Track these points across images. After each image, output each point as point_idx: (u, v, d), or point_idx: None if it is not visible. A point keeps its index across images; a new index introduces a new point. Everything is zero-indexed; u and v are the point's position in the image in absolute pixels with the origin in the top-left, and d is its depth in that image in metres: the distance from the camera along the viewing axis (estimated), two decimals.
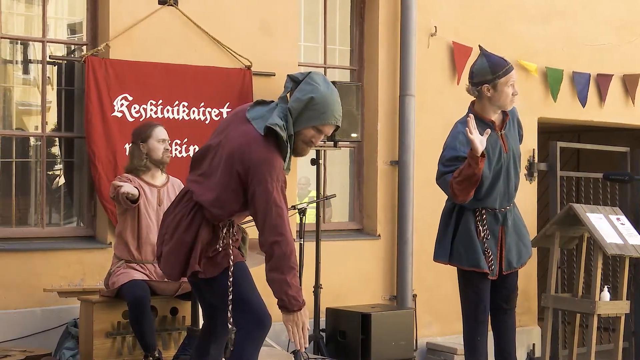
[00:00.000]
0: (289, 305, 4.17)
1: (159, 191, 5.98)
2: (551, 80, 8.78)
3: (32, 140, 6.74)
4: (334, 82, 7.18)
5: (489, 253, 5.26)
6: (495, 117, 5.25)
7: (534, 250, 8.55)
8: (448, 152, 5.18)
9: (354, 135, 7.25)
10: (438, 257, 5.38)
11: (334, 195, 7.13)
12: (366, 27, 7.97)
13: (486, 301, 5.34)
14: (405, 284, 7.77)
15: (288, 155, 4.23)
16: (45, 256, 6.32)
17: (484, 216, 5.24)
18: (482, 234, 5.25)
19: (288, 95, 4.28)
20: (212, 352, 4.55)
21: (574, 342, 7.74)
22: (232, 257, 4.33)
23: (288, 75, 4.32)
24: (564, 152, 9.03)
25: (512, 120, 5.36)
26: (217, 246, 4.33)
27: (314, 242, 7.06)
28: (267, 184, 4.13)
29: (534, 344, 8.59)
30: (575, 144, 9.55)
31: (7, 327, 6.17)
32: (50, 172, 6.77)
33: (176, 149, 6.72)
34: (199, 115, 6.89)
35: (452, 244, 5.30)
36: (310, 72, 4.31)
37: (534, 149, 8.77)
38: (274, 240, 4.12)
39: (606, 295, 7.46)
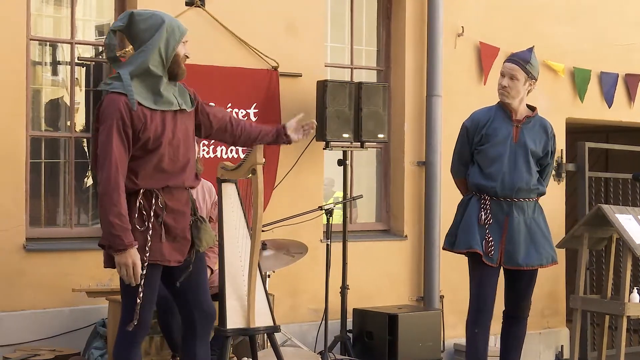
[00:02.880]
0: (114, 244, 4.11)
1: None
2: (579, 80, 8.73)
3: (60, 141, 6.78)
4: (360, 83, 7.18)
5: (489, 238, 5.38)
6: (514, 107, 5.48)
7: (561, 252, 8.50)
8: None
9: (380, 135, 7.24)
10: (444, 245, 5.64)
11: (360, 196, 7.12)
12: (393, 28, 7.96)
13: (488, 294, 5.43)
14: (433, 284, 7.75)
15: (131, 94, 4.17)
16: (73, 256, 6.36)
17: (488, 203, 5.40)
18: (484, 219, 5.39)
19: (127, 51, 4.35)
20: (199, 352, 4.47)
21: (603, 344, 7.67)
22: (147, 252, 4.21)
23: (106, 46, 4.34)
24: (592, 153, 8.96)
25: (538, 125, 5.53)
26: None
27: (341, 243, 7.06)
28: (100, 128, 4.18)
29: (562, 346, 8.54)
30: (603, 144, 9.49)
31: (37, 327, 6.22)
32: (79, 173, 6.81)
33: (203, 150, 6.73)
34: None
35: (457, 231, 5.49)
36: (131, 14, 4.32)
37: (562, 150, 8.72)
38: (99, 178, 4.16)
39: (635, 296, 7.38)
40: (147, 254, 4.21)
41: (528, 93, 5.51)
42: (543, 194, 5.58)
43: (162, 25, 4.24)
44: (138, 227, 4.20)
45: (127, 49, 6.53)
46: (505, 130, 5.44)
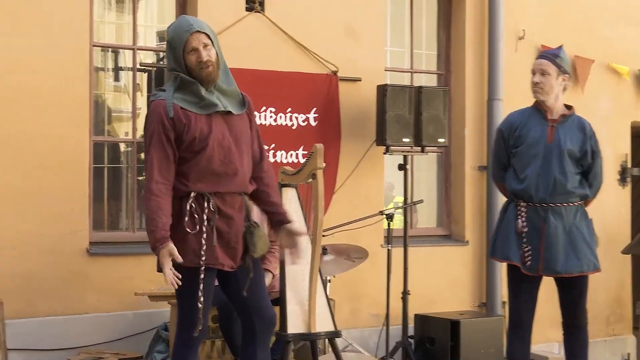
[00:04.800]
0: (149, 241, 4.13)
1: None
2: None
3: (122, 146, 6.85)
4: (420, 87, 7.14)
5: (526, 247, 5.27)
6: (549, 106, 5.33)
7: (627, 258, 8.36)
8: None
9: (441, 140, 7.19)
10: (490, 253, 5.60)
11: (421, 201, 7.08)
12: (453, 31, 7.91)
13: (524, 306, 5.33)
14: (495, 290, 7.66)
15: (169, 102, 4.21)
16: (136, 260, 6.41)
17: (523, 209, 5.28)
18: (520, 226, 5.27)
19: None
20: (259, 357, 4.44)
21: None
22: (203, 256, 4.20)
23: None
24: None
25: (575, 124, 5.34)
26: (183, 225, 4.19)
27: (402, 248, 7.02)
28: (145, 134, 4.29)
29: (628, 353, 8.40)
30: None
31: (100, 330, 6.28)
32: (141, 178, 6.87)
33: None
34: (285, 120, 6.92)
35: (496, 239, 5.44)
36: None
37: (626, 154, 8.58)
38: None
39: None
40: (203, 258, 4.21)
41: (564, 90, 5.36)
42: (587, 197, 5.34)
43: (168, 43, 4.32)
44: (189, 230, 4.20)
45: None
46: (540, 130, 5.29)
